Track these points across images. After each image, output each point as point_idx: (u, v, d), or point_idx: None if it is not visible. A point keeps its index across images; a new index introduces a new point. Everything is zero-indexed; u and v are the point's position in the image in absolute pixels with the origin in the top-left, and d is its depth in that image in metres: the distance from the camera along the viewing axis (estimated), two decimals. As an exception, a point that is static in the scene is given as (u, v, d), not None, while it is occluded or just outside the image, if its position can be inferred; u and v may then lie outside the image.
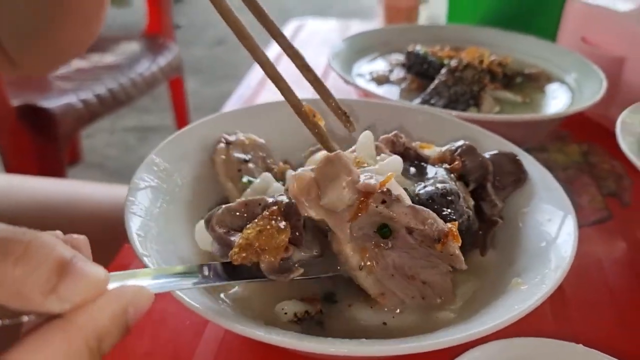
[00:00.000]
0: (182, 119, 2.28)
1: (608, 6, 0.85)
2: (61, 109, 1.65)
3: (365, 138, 0.47)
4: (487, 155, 0.52)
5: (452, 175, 0.47)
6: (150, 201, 0.48)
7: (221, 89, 3.14)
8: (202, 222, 0.45)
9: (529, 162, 0.55)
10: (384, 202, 0.38)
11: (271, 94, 0.83)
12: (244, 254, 0.38)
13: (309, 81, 0.53)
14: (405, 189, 0.42)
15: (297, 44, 1.23)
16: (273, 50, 0.98)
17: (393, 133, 0.50)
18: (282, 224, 0.39)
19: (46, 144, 1.68)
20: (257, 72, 1.05)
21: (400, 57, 0.83)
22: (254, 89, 0.98)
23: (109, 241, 0.74)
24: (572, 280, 0.56)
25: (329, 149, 0.47)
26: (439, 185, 0.43)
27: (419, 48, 0.79)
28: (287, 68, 0.54)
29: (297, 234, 0.40)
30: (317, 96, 0.51)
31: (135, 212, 0.45)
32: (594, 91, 0.72)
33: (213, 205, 0.53)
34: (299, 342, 0.35)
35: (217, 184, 0.55)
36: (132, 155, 2.56)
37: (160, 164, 0.52)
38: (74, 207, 0.88)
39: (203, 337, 0.50)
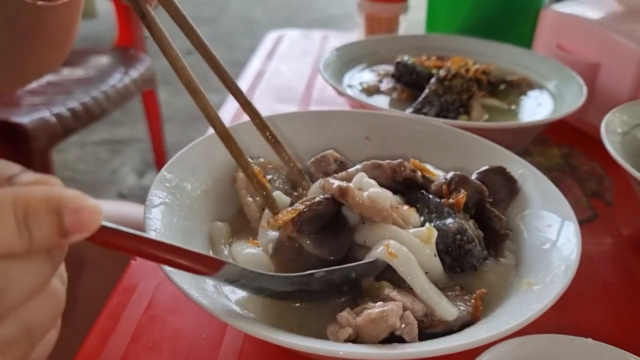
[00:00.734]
0: (156, 131, 2.27)
1: (581, 14, 0.89)
2: (34, 124, 1.62)
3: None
4: (475, 174, 0.55)
5: (459, 215, 0.48)
6: (166, 218, 0.49)
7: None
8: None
9: (522, 165, 0.57)
10: None
11: (258, 108, 0.84)
12: None
13: (265, 138, 0.57)
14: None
15: (278, 56, 1.25)
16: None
17: (398, 161, 0.52)
18: None
19: (20, 160, 1.63)
20: (241, 85, 1.06)
21: (387, 68, 0.85)
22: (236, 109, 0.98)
23: (110, 259, 0.73)
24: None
25: (274, 211, 0.50)
26: (457, 237, 0.46)
27: (407, 58, 0.82)
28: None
29: None
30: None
31: (154, 229, 0.46)
32: (574, 96, 0.75)
33: (229, 217, 0.54)
34: (331, 348, 0.36)
35: (228, 197, 0.57)
36: (104, 169, 2.52)
37: (172, 179, 0.53)
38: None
39: (220, 351, 0.50)
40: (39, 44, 0.64)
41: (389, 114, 0.65)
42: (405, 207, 0.49)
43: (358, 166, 0.53)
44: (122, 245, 0.33)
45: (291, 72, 1.12)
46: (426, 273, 0.44)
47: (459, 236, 0.46)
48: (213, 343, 0.51)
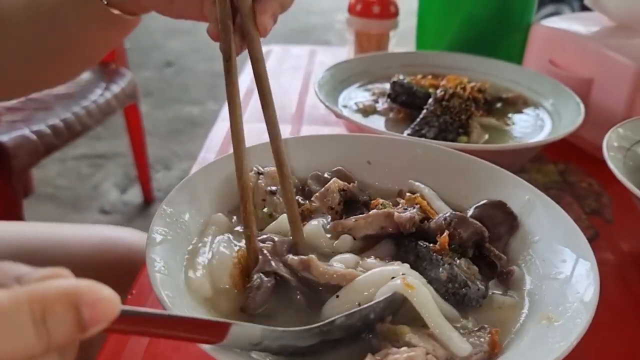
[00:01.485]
0: (138, 146, 2.23)
1: (573, 29, 0.90)
2: (14, 142, 1.58)
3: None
4: (473, 209, 0.54)
5: (447, 260, 0.48)
6: (169, 256, 0.47)
7: (173, 111, 3.09)
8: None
9: (529, 190, 0.57)
10: None
11: (250, 128, 0.82)
12: None
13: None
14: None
15: (268, 71, 1.23)
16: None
17: (409, 216, 0.51)
18: None
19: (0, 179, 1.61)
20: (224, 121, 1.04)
21: (381, 86, 0.84)
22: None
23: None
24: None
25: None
26: (449, 286, 0.47)
27: (403, 78, 0.81)
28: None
29: None
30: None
31: (158, 270, 0.44)
32: (572, 113, 0.75)
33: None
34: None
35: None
36: (86, 184, 2.48)
37: (172, 214, 0.51)
38: (55, 251, 0.85)
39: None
40: (65, 60, 0.64)
41: (389, 137, 0.64)
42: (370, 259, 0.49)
43: (371, 212, 0.53)
44: (140, 328, 0.32)
45: (281, 89, 1.10)
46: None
47: (450, 284, 0.46)
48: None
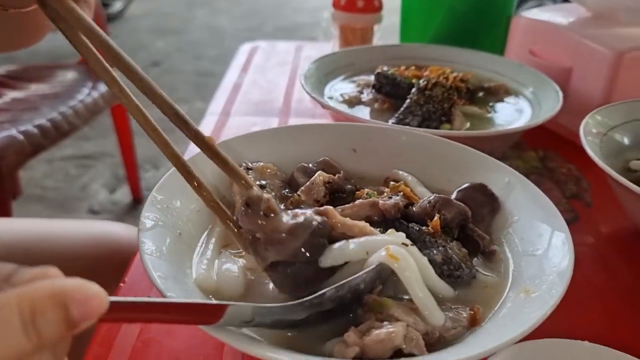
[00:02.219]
0: (126, 145, 2.23)
1: (552, 20, 0.92)
2: (1, 143, 1.58)
3: None
4: (456, 192, 0.56)
5: (441, 242, 0.50)
6: (160, 240, 0.48)
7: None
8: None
9: (509, 173, 0.59)
10: None
11: (238, 121, 0.84)
12: None
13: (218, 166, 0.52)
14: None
15: (253, 68, 1.25)
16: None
17: (393, 203, 0.53)
18: None
19: (-13, 180, 1.60)
20: (219, 98, 1.06)
21: (366, 78, 0.86)
22: (219, 117, 0.98)
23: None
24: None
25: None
26: (445, 268, 0.49)
27: (387, 69, 0.83)
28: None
29: None
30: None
31: (149, 253, 0.45)
32: (551, 102, 0.77)
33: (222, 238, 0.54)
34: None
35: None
36: (73, 185, 2.47)
37: (163, 201, 0.52)
38: (45, 247, 0.86)
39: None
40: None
41: (374, 125, 0.66)
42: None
43: (356, 202, 0.54)
44: (132, 317, 0.33)
45: (268, 84, 1.11)
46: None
47: (445, 266, 0.48)
48: (211, 365, 0.51)
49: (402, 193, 0.56)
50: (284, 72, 1.16)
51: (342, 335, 0.42)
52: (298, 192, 0.57)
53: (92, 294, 0.30)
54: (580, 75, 0.87)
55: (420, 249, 0.49)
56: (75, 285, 0.30)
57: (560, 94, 0.78)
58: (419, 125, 0.73)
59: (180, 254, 0.49)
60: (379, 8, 1.07)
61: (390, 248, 0.45)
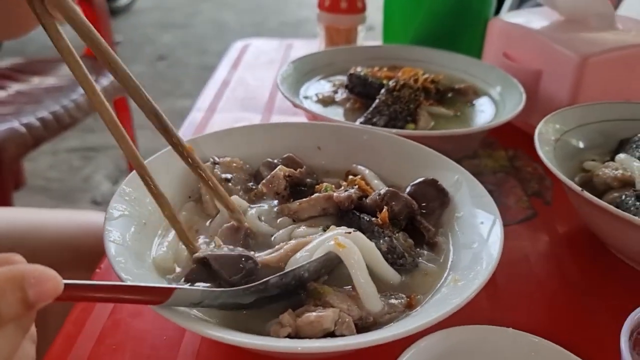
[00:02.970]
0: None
1: (525, 24, 0.95)
2: (3, 134, 1.63)
3: None
4: (410, 186, 0.60)
5: (387, 233, 0.54)
6: (125, 229, 0.52)
7: (164, 105, 3.14)
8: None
9: (458, 171, 0.62)
10: None
11: (222, 118, 0.88)
12: None
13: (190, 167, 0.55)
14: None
15: (244, 65, 1.28)
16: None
17: (346, 195, 0.57)
18: None
19: (-11, 170, 1.66)
20: (207, 94, 1.10)
21: (343, 78, 0.90)
22: (204, 113, 1.02)
23: (76, 267, 0.77)
24: (504, 273, 0.65)
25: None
26: (389, 257, 0.53)
27: (360, 70, 0.86)
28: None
29: None
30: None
31: (113, 240, 0.50)
32: (515, 103, 0.81)
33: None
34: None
35: (185, 204, 0.61)
36: (77, 176, 2.53)
37: (131, 193, 0.56)
38: (36, 235, 0.90)
39: (180, 351, 0.54)
40: None
41: (338, 124, 0.70)
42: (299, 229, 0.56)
43: (313, 196, 0.58)
44: (86, 296, 0.38)
45: (255, 81, 1.15)
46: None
47: (389, 255, 0.52)
48: (172, 344, 0.55)
49: (357, 186, 0.60)
50: (272, 70, 1.20)
51: (283, 316, 0.46)
52: (259, 185, 0.61)
53: (47, 278, 0.34)
54: (549, 78, 0.90)
55: (368, 238, 0.53)
56: (32, 269, 0.34)
57: (524, 95, 0.81)
58: (386, 125, 0.76)
59: (143, 242, 0.54)
60: (363, 9, 1.11)
61: (339, 238, 0.50)
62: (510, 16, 1.00)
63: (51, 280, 0.35)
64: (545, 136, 0.71)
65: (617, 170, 0.68)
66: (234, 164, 0.64)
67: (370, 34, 1.20)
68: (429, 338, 0.45)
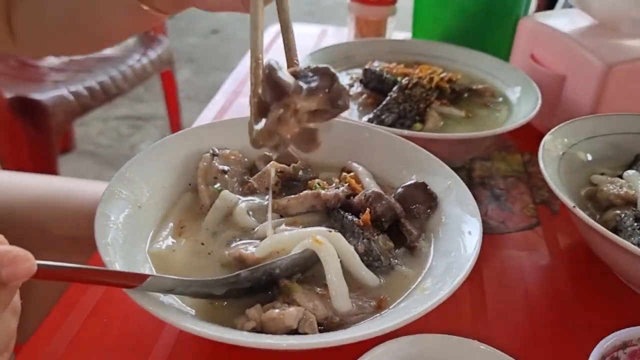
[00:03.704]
0: (173, 111, 2.35)
1: (554, 25, 0.92)
2: (53, 101, 1.72)
3: None
4: (400, 188, 0.61)
5: (367, 235, 0.55)
6: (119, 210, 0.56)
7: (213, 79, 3.20)
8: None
9: (451, 177, 0.62)
10: None
11: (245, 102, 0.90)
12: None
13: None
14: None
15: (275, 49, 1.30)
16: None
17: (334, 193, 0.59)
18: None
19: (38, 135, 1.75)
20: (235, 77, 1.12)
21: (360, 72, 0.90)
22: (229, 96, 1.05)
23: (78, 247, 0.81)
24: (494, 281, 0.65)
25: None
26: (365, 258, 0.54)
27: (377, 65, 0.87)
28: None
29: None
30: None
31: (103, 221, 0.53)
32: (530, 108, 0.79)
33: (181, 215, 0.61)
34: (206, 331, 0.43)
35: (181, 194, 0.64)
36: (124, 144, 2.63)
37: (130, 177, 0.60)
38: (62, 203, 0.96)
39: (164, 327, 0.57)
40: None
41: (339, 120, 0.71)
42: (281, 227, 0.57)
43: (302, 193, 0.60)
44: (60, 277, 0.42)
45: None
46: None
47: (365, 257, 0.53)
48: (159, 321, 0.58)
49: (347, 184, 0.62)
50: (300, 56, 1.20)
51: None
52: (251, 180, 0.63)
53: (21, 260, 0.38)
54: (573, 83, 0.88)
55: (348, 238, 0.55)
56: (7, 250, 0.38)
57: (539, 102, 0.80)
58: (394, 123, 0.77)
59: (136, 225, 0.57)
60: (393, 1, 1.10)
61: (317, 236, 0.51)
62: (541, 16, 0.97)
63: (25, 262, 0.38)
64: (552, 146, 0.70)
65: (621, 188, 0.66)
66: (232, 157, 0.66)
67: (403, 24, 1.19)
68: (388, 345, 0.46)
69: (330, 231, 0.53)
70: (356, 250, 0.53)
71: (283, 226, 0.56)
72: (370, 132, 0.69)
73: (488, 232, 0.73)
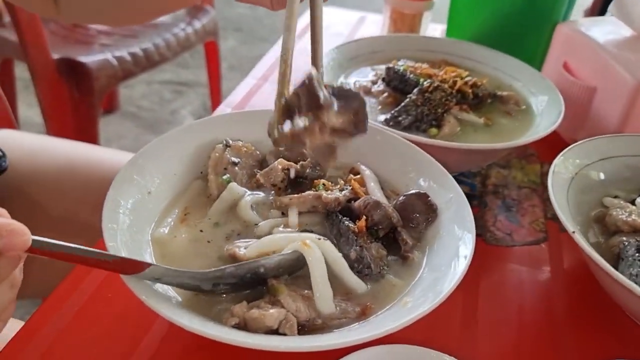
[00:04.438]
0: (214, 80, 2.38)
1: (590, 34, 0.90)
2: (97, 65, 1.77)
3: None
4: (402, 196, 0.61)
5: (360, 242, 0.56)
6: (128, 195, 0.58)
7: (258, 50, 3.22)
8: None
9: (454, 190, 0.62)
10: None
11: (271, 89, 0.91)
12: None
13: None
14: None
15: (310, 34, 1.29)
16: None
17: (334, 197, 0.61)
18: None
19: (81, 96, 1.81)
20: (265, 62, 1.14)
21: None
22: (257, 81, 1.06)
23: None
24: (491, 294, 0.65)
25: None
26: (356, 265, 0.55)
27: (401, 63, 0.86)
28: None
29: None
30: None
31: (112, 205, 0.56)
32: (551, 122, 0.78)
33: (188, 202, 0.64)
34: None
35: (192, 181, 0.66)
36: (165, 108, 2.69)
37: (143, 164, 0.62)
38: (90, 170, 1.00)
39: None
40: None
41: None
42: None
43: (304, 193, 0.62)
44: (58, 256, 0.44)
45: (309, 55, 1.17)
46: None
47: (356, 264, 0.54)
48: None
49: (351, 187, 0.63)
50: (333, 44, 1.21)
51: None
52: (257, 175, 0.65)
53: (18, 233, 0.41)
54: (603, 97, 0.86)
55: (343, 243, 0.57)
56: (6, 224, 0.41)
57: (561, 115, 0.78)
58: (410, 125, 0.77)
59: (143, 210, 0.60)
60: (431, -5, 1.08)
61: (307, 240, 0.53)
62: (580, 23, 0.94)
63: (21, 235, 0.41)
64: (563, 167, 0.69)
65: (630, 215, 0.65)
66: (244, 149, 0.68)
67: (442, 18, 1.17)
68: (363, 352, 0.48)
69: (320, 239, 0.55)
70: (348, 256, 0.55)
71: (281, 227, 0.58)
72: (382, 135, 0.70)
73: (493, 243, 0.74)
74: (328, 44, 1.21)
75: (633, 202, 0.69)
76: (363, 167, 0.68)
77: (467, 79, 0.84)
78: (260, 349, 0.43)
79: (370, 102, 0.84)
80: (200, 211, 0.63)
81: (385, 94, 0.84)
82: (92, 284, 0.63)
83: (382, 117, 0.79)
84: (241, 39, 3.37)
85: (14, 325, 0.56)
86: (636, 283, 0.57)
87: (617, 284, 0.55)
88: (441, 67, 0.89)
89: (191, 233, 0.59)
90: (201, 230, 0.60)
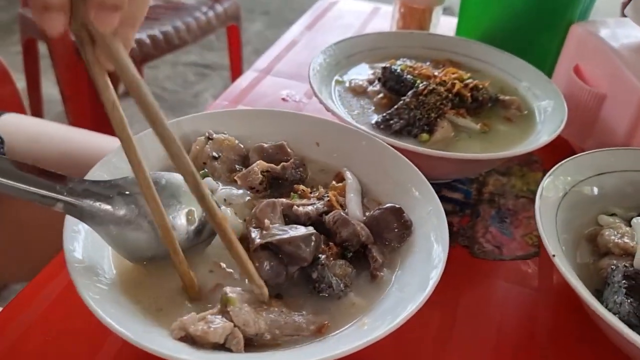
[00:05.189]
0: (236, 64, 2.37)
1: (603, 36, 0.85)
2: (116, 47, 1.77)
3: None
4: (376, 210, 0.59)
5: (322, 260, 0.54)
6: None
7: (283, 34, 3.18)
8: None
9: (434, 203, 0.60)
10: None
11: (272, 82, 0.89)
12: None
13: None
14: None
15: (319, 27, 1.27)
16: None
17: (304, 211, 0.59)
18: None
19: (100, 78, 1.82)
20: (270, 53, 1.11)
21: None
22: (259, 73, 1.05)
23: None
24: (470, 309, 0.63)
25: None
26: (317, 285, 0.53)
27: (400, 63, 0.83)
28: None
29: None
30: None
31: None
32: (551, 131, 0.74)
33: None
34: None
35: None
36: (189, 90, 2.69)
37: (117, 163, 0.61)
38: (89, 157, 1.00)
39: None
40: None
41: (340, 124, 0.69)
42: None
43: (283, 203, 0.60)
44: None
45: (324, 45, 1.14)
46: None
47: (317, 284, 0.52)
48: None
49: (328, 198, 0.61)
50: (342, 35, 1.18)
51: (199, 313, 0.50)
52: (235, 177, 0.64)
53: None
54: (612, 104, 0.81)
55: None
56: None
57: (563, 124, 0.74)
58: (401, 129, 0.74)
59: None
60: (442, -11, 1.04)
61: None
62: (596, 24, 0.89)
63: None
64: (553, 185, 0.65)
65: (622, 237, 0.62)
66: (227, 142, 0.66)
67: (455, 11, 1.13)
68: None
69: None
70: (309, 275, 0.53)
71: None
72: (367, 140, 0.67)
73: (480, 257, 0.71)
74: (337, 35, 1.19)
75: (630, 221, 0.65)
76: (348, 173, 0.65)
77: (467, 81, 0.80)
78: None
79: (363, 103, 0.82)
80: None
81: (381, 95, 0.82)
82: (58, 286, 0.63)
83: (374, 120, 0.77)
84: (268, 23, 3.34)
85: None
86: (619, 312, 0.55)
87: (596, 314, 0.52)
88: (444, 67, 0.85)
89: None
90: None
